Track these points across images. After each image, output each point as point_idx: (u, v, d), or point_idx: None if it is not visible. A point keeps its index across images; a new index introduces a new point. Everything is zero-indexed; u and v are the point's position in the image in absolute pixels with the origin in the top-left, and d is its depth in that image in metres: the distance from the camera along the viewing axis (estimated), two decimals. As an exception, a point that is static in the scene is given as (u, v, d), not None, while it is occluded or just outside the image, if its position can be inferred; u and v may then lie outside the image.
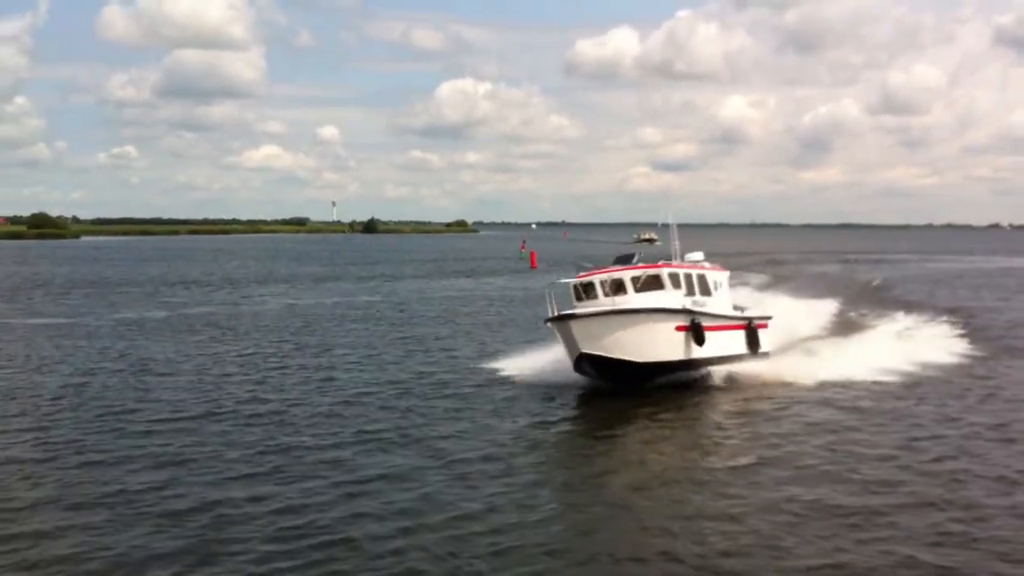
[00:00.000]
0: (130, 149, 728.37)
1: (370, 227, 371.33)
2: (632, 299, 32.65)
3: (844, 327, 47.54)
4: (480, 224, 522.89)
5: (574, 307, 33.05)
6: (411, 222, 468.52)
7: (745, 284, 75.90)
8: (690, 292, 34.07)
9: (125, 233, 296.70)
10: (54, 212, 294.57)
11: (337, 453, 23.78)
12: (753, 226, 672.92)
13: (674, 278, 33.87)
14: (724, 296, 36.65)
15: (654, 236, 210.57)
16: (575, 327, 30.67)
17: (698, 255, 37.68)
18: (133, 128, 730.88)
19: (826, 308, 54.70)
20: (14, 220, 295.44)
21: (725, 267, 38.95)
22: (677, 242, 36.77)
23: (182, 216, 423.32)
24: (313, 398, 30.66)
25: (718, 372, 33.47)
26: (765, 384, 32.93)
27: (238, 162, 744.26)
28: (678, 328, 32.39)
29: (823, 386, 32.43)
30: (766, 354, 36.31)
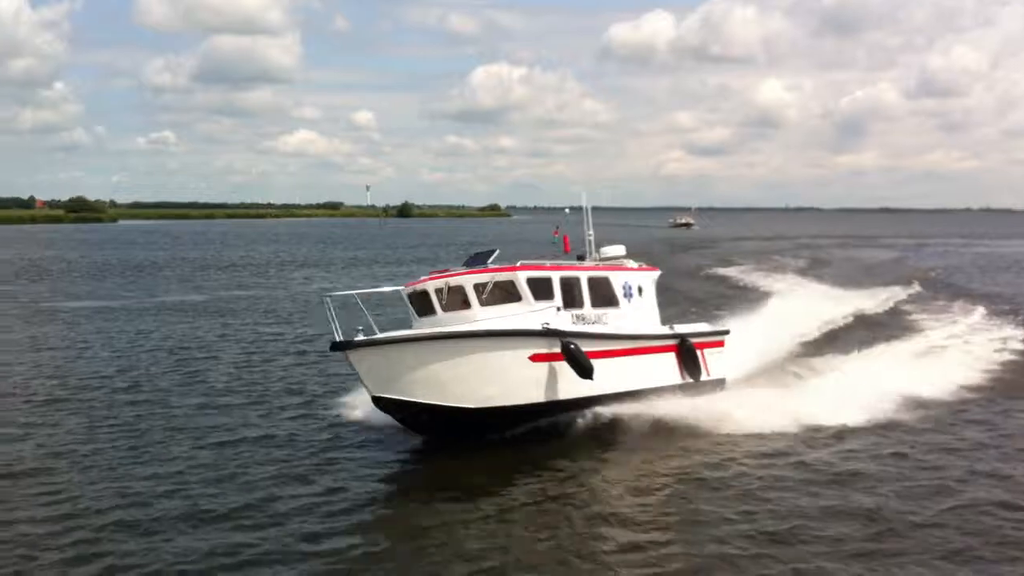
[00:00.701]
0: (168, 134, 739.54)
1: (404, 211, 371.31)
2: (476, 315, 23.52)
3: (882, 328, 41.45)
4: (513, 208, 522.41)
5: (413, 326, 24.40)
6: (445, 206, 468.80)
7: (781, 270, 75.42)
8: (573, 303, 24.86)
9: (162, 217, 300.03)
10: (92, 196, 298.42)
11: (381, 454, 23.91)
12: (788, 210, 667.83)
13: (539, 285, 24.21)
14: (644, 306, 27.33)
15: (691, 220, 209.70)
16: (358, 360, 21.41)
17: (617, 249, 28.52)
18: (171, 113, 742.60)
19: (868, 301, 48.86)
20: (53, 204, 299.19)
21: (653, 266, 29.29)
22: (591, 232, 28.41)
23: (219, 200, 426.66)
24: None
25: (618, 414, 24.32)
26: (684, 431, 24.04)
27: (274, 147, 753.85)
28: (534, 358, 23.08)
29: (784, 436, 23.70)
30: (720, 382, 28.07)
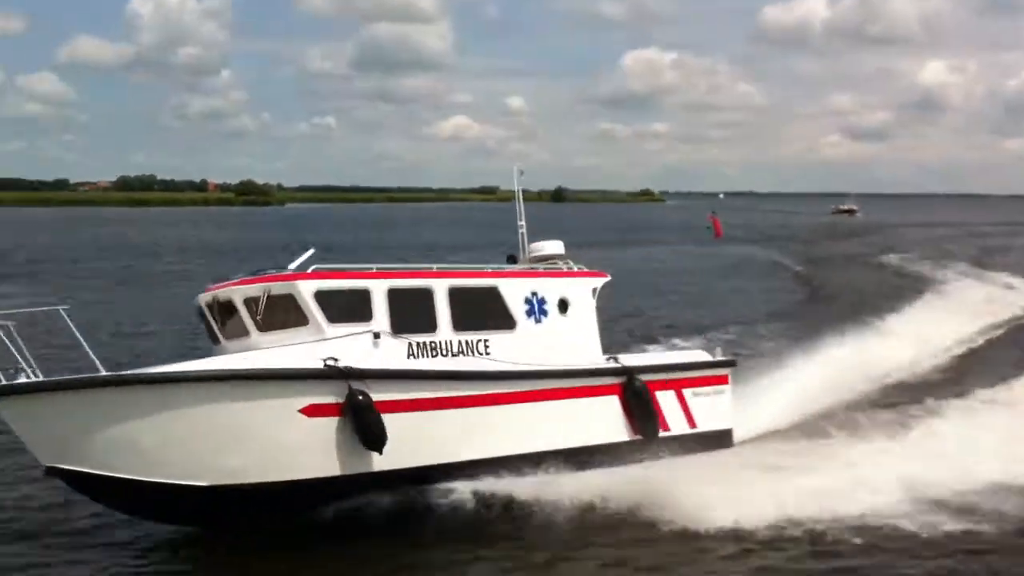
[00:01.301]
0: (329, 120, 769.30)
1: (557, 196, 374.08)
2: (257, 343, 16.70)
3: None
4: (666, 193, 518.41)
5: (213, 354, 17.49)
6: (597, 191, 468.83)
7: (948, 258, 72.57)
8: (414, 325, 17.38)
9: (325, 200, 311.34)
10: (260, 180, 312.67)
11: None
12: (953, 197, 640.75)
13: (339, 300, 16.96)
14: (567, 327, 19.37)
15: (854, 207, 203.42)
16: (9, 414, 14.78)
17: (552, 246, 20.96)
18: (331, 100, 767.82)
19: None
20: (224, 187, 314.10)
21: (599, 271, 20.85)
22: (523, 223, 20.81)
23: (378, 184, 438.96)
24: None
25: (495, 491, 16.75)
26: (602, 518, 16.62)
27: (430, 133, 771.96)
28: (309, 411, 15.84)
29: (762, 539, 15.99)
30: (717, 437, 20.30)
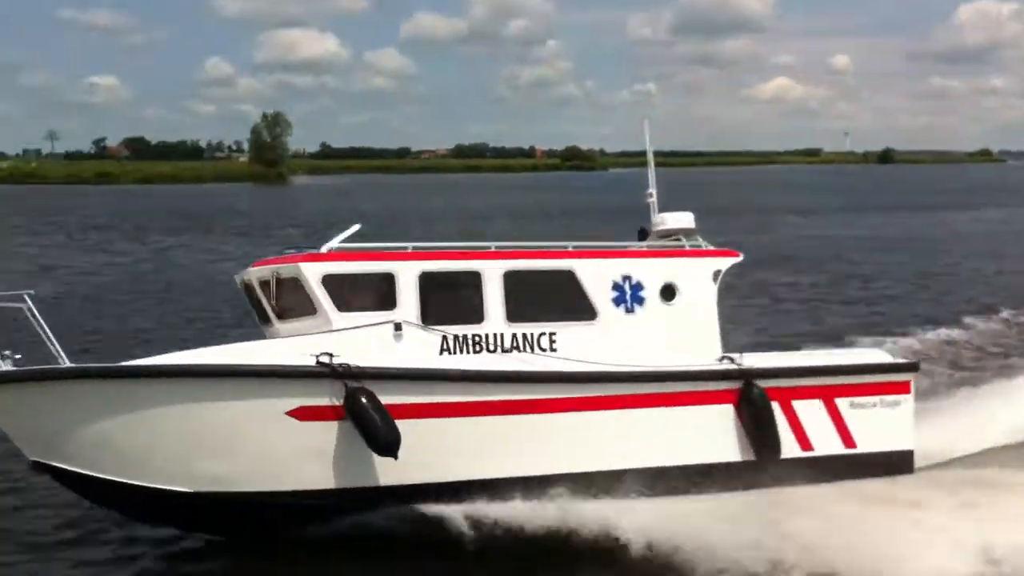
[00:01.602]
0: (650, 86, 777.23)
1: (885, 158, 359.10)
2: (279, 332, 14.88)
3: None
4: (1007, 153, 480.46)
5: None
6: (929, 152, 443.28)
7: None
8: (455, 314, 14.68)
9: (646, 165, 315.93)
10: (584, 146, 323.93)
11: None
12: None
13: (354, 285, 14.69)
14: (672, 318, 15.59)
15: None
16: None
17: (680, 218, 16.70)
18: (652, 66, 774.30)
19: None
20: (550, 154, 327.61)
21: (726, 250, 16.36)
22: (653, 192, 17.16)
23: (700, 149, 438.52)
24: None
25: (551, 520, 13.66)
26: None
27: (751, 95, 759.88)
28: (299, 414, 13.65)
29: None
30: (890, 459, 15.60)
